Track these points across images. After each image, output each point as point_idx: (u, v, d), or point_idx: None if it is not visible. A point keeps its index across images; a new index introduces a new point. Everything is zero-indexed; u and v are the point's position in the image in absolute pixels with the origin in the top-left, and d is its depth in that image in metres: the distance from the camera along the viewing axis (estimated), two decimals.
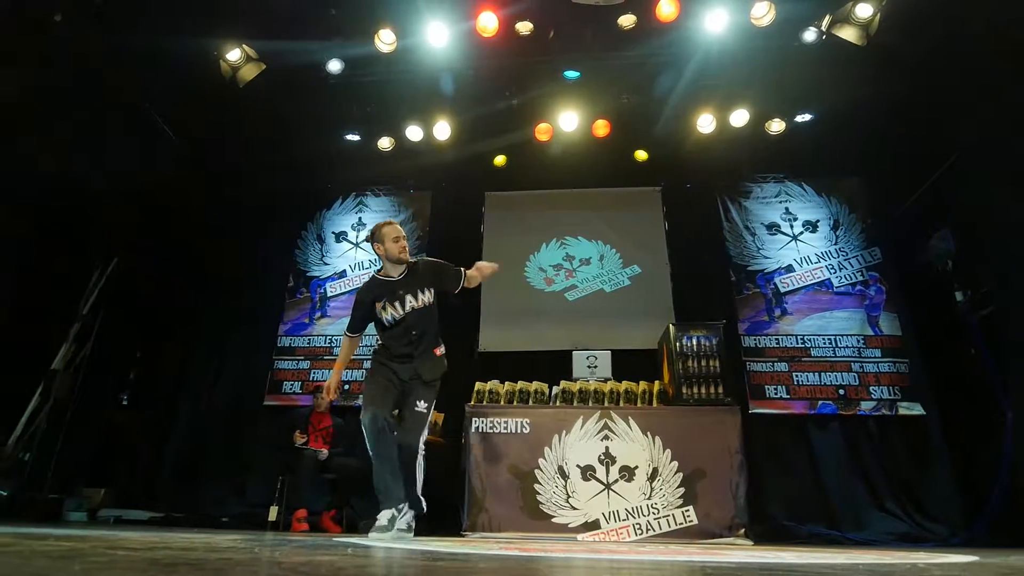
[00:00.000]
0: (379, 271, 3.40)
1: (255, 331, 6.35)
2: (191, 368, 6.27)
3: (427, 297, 3.29)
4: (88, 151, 5.27)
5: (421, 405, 3.16)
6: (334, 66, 5.47)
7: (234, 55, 5.29)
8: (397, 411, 3.23)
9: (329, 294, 6.44)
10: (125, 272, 6.13)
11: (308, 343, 6.24)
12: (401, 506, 3.05)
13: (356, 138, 6.45)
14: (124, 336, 6.20)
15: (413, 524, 3.16)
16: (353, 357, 6.05)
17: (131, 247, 6.25)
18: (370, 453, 3.06)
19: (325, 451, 4.85)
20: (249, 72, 5.45)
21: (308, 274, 6.58)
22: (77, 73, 4.96)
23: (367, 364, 4.51)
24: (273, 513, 4.72)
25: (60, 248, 5.85)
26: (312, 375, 6.05)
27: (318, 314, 6.36)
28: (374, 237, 3.33)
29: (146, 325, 6.31)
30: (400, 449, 3.06)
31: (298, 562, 1.12)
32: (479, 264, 3.44)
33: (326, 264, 6.62)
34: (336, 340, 6.19)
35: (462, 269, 3.44)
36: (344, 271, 6.56)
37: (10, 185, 4.95)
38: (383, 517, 2.97)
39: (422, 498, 3.20)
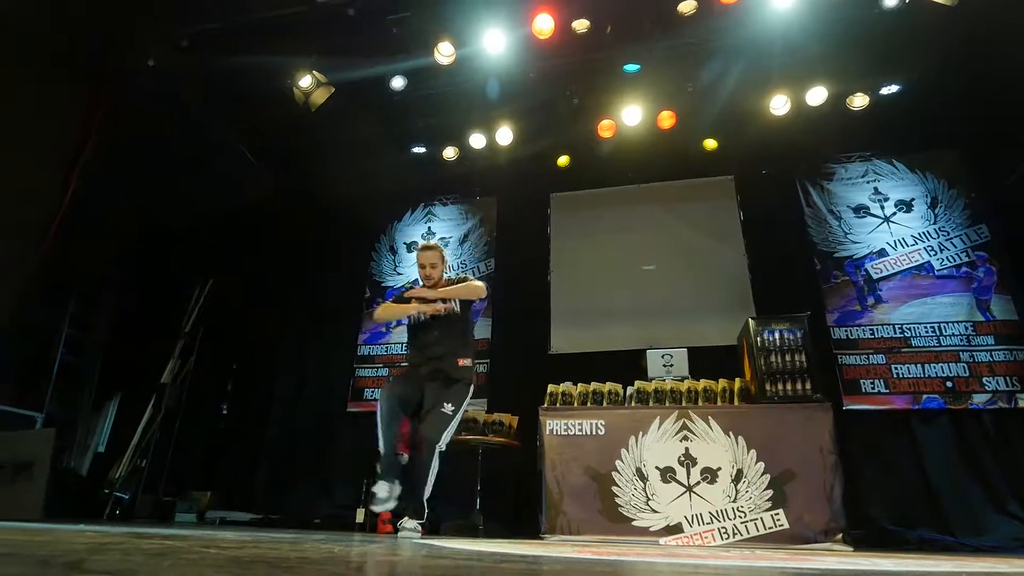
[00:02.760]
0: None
1: (337, 341, 6.67)
2: (281, 378, 6.67)
3: (451, 305, 3.48)
4: (180, 183, 5.74)
5: (447, 407, 3.28)
6: (397, 83, 5.65)
7: (305, 81, 5.58)
8: (418, 412, 3.39)
9: None
10: (220, 292, 6.63)
11: (386, 351, 6.48)
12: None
13: (422, 150, 6.64)
14: (221, 350, 6.70)
15: (420, 529, 3.27)
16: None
17: (224, 268, 6.75)
18: (380, 437, 3.28)
19: (405, 455, 4.99)
20: (320, 96, 5.72)
21: (383, 284, 6.83)
22: (169, 111, 5.43)
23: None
24: (360, 515, 4.92)
25: (164, 273, 6.43)
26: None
27: (394, 323, 6.58)
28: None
29: (239, 339, 6.79)
30: (417, 445, 3.22)
31: (365, 561, 1.15)
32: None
33: (399, 274, 6.85)
34: None
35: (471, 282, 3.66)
36: (416, 280, 6.73)
37: (115, 218, 5.47)
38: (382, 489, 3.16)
39: (426, 504, 3.30)
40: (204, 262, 6.70)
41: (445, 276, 3.76)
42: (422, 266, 3.61)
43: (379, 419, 3.31)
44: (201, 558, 1.02)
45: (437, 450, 3.25)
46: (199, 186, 5.92)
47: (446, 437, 3.29)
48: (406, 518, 3.22)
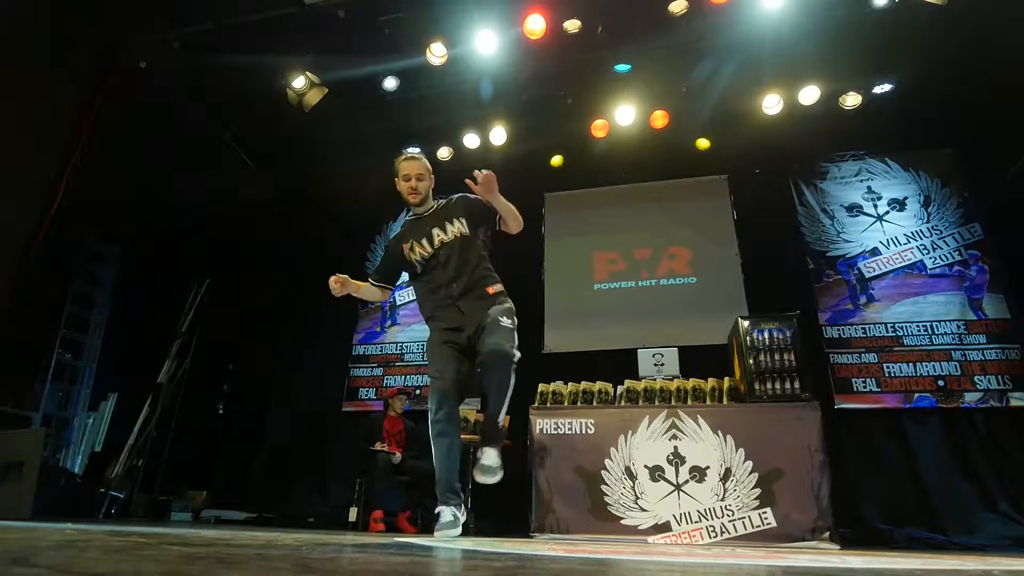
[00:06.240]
0: (408, 213, 3.10)
1: (332, 342, 6.69)
2: (276, 379, 6.71)
3: (459, 227, 2.90)
4: (175, 183, 5.78)
5: (505, 321, 2.72)
6: (390, 83, 5.68)
7: (299, 82, 5.61)
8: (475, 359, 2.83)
9: (398, 303, 6.68)
10: (216, 292, 6.67)
11: (381, 351, 6.50)
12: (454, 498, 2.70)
13: (416, 151, 6.66)
14: (217, 350, 6.74)
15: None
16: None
17: (220, 268, 6.79)
18: (432, 441, 2.76)
19: (398, 454, 5.03)
20: (313, 97, 5.75)
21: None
22: (164, 111, 5.47)
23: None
24: (353, 514, 4.94)
25: (160, 273, 6.47)
26: (385, 381, 6.29)
27: (389, 322, 6.61)
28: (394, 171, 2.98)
29: (235, 339, 6.82)
30: (492, 356, 2.64)
31: (324, 559, 1.17)
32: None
33: None
34: (407, 347, 6.41)
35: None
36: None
37: (111, 218, 5.50)
38: (447, 513, 2.67)
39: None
40: (200, 262, 6.73)
41: (435, 200, 3.09)
42: (407, 178, 2.93)
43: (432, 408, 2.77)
44: (156, 555, 1.04)
45: (512, 364, 2.67)
46: (194, 186, 5.95)
47: (515, 345, 2.73)
48: (488, 450, 2.65)
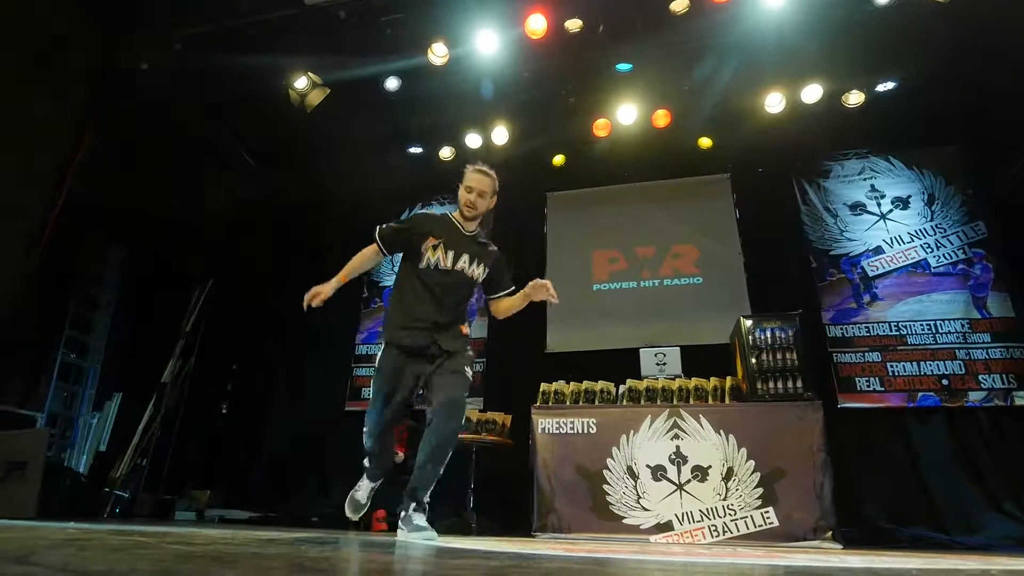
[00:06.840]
0: (456, 213, 3.00)
1: (336, 341, 6.70)
2: (280, 378, 6.72)
3: (479, 271, 2.92)
4: (178, 184, 5.80)
5: (468, 372, 2.82)
6: (391, 84, 5.68)
7: (301, 83, 5.62)
8: (421, 390, 2.85)
9: None
10: (219, 292, 6.69)
11: None
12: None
13: (419, 150, 6.66)
14: (221, 350, 6.76)
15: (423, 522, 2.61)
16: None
17: (223, 269, 6.81)
18: (367, 449, 2.92)
19: (401, 454, 5.03)
20: (315, 97, 5.76)
21: (380, 284, 6.87)
22: (167, 112, 5.49)
23: None
24: None
25: (164, 274, 6.50)
26: None
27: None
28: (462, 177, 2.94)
29: (239, 339, 6.84)
30: (447, 407, 2.66)
31: (318, 557, 1.18)
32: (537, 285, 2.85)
33: (395, 274, 6.87)
34: None
35: (514, 288, 3.07)
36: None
37: (114, 219, 5.52)
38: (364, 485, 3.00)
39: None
40: (203, 263, 6.75)
41: (482, 230, 3.07)
42: (470, 189, 2.85)
43: (375, 395, 2.87)
44: (152, 553, 1.05)
45: (464, 415, 2.84)
46: (195, 187, 5.98)
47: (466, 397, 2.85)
48: (416, 514, 2.59)
